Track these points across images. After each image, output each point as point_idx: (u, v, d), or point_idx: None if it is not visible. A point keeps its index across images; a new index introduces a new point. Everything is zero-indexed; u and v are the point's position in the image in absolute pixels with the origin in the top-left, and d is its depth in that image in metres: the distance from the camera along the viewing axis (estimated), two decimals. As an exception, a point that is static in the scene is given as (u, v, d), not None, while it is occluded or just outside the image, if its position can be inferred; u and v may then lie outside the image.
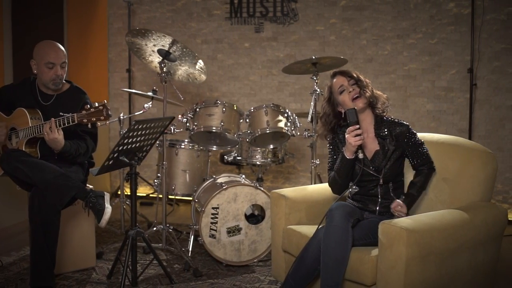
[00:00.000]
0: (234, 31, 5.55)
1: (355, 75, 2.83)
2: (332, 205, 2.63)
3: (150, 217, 4.70)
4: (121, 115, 4.13)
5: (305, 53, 5.36)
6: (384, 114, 2.83)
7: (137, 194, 5.59)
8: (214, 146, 4.04)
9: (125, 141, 2.86)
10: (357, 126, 2.63)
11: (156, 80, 5.73)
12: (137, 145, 2.99)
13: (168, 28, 5.63)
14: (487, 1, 4.83)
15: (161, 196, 4.03)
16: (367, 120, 2.83)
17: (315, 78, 3.94)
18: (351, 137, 2.63)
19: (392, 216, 2.73)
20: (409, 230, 2.27)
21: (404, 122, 2.82)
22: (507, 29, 4.83)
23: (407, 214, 2.66)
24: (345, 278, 2.51)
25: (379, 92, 2.86)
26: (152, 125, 2.99)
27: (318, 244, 2.56)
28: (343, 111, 2.82)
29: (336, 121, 2.90)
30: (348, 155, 2.69)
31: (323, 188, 3.17)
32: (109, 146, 5.82)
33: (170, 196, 4.47)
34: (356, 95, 2.76)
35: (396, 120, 2.83)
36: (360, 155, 2.67)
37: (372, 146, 2.81)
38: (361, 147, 2.67)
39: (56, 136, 2.94)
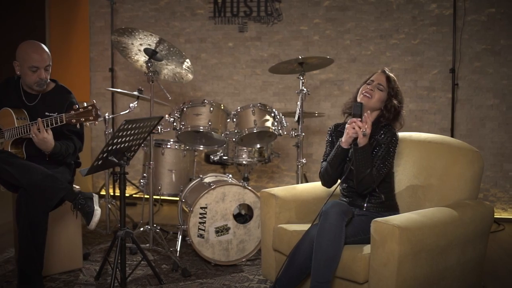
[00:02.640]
0: (218, 31, 5.55)
1: (393, 85, 2.83)
2: (327, 203, 2.65)
3: (134, 217, 4.66)
4: (106, 114, 4.10)
5: (289, 53, 5.38)
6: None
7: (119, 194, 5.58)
8: (201, 146, 4.03)
9: (115, 141, 2.83)
10: (360, 119, 2.67)
11: (139, 80, 5.69)
12: (125, 145, 2.97)
13: (151, 27, 5.59)
14: (468, 3, 4.92)
15: (147, 196, 4.01)
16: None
17: (301, 77, 3.96)
18: (350, 128, 2.67)
19: (380, 213, 2.77)
20: (401, 228, 2.30)
21: (394, 130, 2.83)
22: (487, 30, 4.93)
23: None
24: (338, 276, 2.54)
25: (403, 118, 2.90)
26: (141, 124, 2.97)
27: (310, 241, 2.58)
28: (353, 102, 2.85)
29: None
30: (344, 144, 2.73)
31: (313, 187, 3.19)
32: (92, 146, 5.76)
33: (155, 196, 4.44)
34: (367, 95, 2.79)
35: (390, 127, 2.84)
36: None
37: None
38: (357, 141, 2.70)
39: (45, 135, 2.89)
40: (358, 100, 2.82)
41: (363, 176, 2.68)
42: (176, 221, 4.69)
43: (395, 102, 2.83)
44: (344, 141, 2.72)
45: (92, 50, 5.85)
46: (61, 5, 5.53)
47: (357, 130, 2.65)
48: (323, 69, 4.87)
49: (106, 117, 4.09)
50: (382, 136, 2.79)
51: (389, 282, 2.33)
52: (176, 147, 4.11)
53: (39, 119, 2.91)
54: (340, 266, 2.50)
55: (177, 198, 4.05)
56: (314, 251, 2.51)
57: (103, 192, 5.36)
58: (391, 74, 2.88)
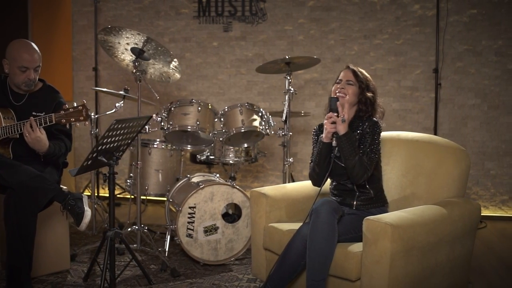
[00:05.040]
0: (202, 30, 5.54)
1: (362, 77, 2.88)
2: (317, 201, 2.68)
3: (119, 217, 4.63)
4: (92, 114, 4.07)
5: (273, 53, 5.40)
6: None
7: (105, 194, 5.53)
8: (189, 146, 4.01)
9: (105, 141, 2.81)
10: (336, 114, 2.71)
11: (123, 79, 5.65)
12: (115, 145, 2.94)
13: (135, 27, 5.55)
14: (451, 4, 5.00)
15: (133, 196, 3.99)
16: (348, 115, 2.87)
17: (288, 77, 3.97)
18: (328, 123, 2.73)
19: (370, 210, 2.81)
20: (393, 225, 2.33)
21: (375, 119, 2.85)
22: (469, 31, 5.01)
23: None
24: (330, 274, 2.56)
25: (380, 105, 2.92)
26: (131, 124, 2.95)
27: (302, 239, 2.60)
28: (329, 97, 2.89)
29: None
30: (325, 139, 2.78)
31: (302, 186, 3.21)
32: (74, 146, 5.70)
33: (141, 197, 4.41)
34: (341, 94, 2.85)
35: (371, 117, 2.87)
36: (334, 143, 2.74)
37: None
38: (337, 134, 2.74)
39: (38, 134, 2.85)
40: None
41: (353, 164, 2.70)
42: (161, 221, 4.67)
43: (368, 94, 2.87)
44: (325, 136, 2.77)
45: (75, 49, 5.78)
46: (43, 4, 5.46)
47: (334, 126, 2.69)
48: (307, 69, 4.90)
49: (92, 117, 4.06)
50: (364, 127, 2.83)
51: (381, 279, 2.36)
52: (163, 146, 4.10)
53: (32, 118, 2.87)
54: (332, 264, 2.53)
55: (162, 198, 4.03)
56: (308, 249, 2.53)
57: (87, 192, 5.31)
58: (356, 68, 2.93)
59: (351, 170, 2.73)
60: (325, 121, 2.74)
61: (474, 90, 5.06)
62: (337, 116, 2.71)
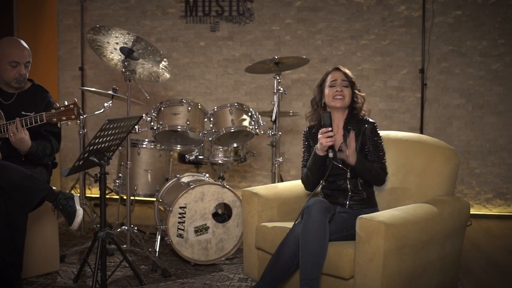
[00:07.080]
0: (190, 30, 5.53)
1: (353, 79, 2.96)
2: (309, 201, 2.70)
3: (107, 218, 4.58)
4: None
5: (260, 53, 5.41)
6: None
7: (91, 195, 5.49)
8: (178, 146, 4.00)
9: (96, 141, 2.79)
10: (330, 129, 2.72)
11: (109, 79, 5.61)
12: (106, 145, 2.93)
13: (121, 26, 5.50)
14: (436, 5, 5.07)
15: (117, 197, 3.96)
16: (341, 117, 2.95)
17: (277, 77, 3.99)
18: (323, 138, 2.72)
19: (362, 210, 2.83)
20: (387, 224, 2.36)
21: (370, 120, 2.92)
22: (454, 31, 5.08)
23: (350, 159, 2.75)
24: (324, 272, 2.58)
25: (364, 105, 3.00)
26: (122, 124, 2.94)
27: (295, 239, 2.61)
28: (321, 113, 2.89)
29: (320, 108, 3.00)
30: (320, 153, 2.79)
31: (294, 185, 3.23)
32: (60, 146, 5.63)
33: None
34: (339, 96, 2.88)
35: (365, 118, 2.94)
36: (330, 154, 2.74)
37: (340, 139, 2.91)
38: (332, 147, 2.75)
39: (22, 136, 2.84)
40: (332, 104, 2.91)
41: (370, 176, 2.83)
42: (149, 221, 4.65)
43: (360, 93, 2.98)
44: (320, 149, 2.77)
45: (61, 49, 5.73)
46: (29, 3, 5.40)
47: (331, 140, 2.71)
48: (295, 69, 4.93)
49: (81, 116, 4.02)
50: (361, 129, 2.88)
51: (375, 277, 2.38)
52: (152, 146, 4.08)
53: (17, 118, 2.85)
54: (326, 263, 2.55)
55: (150, 199, 4.01)
56: (300, 249, 2.54)
57: (73, 193, 5.26)
58: (344, 69, 3.01)
59: (370, 179, 2.87)
60: (320, 135, 2.74)
61: (459, 90, 5.14)
62: (331, 130, 2.72)
